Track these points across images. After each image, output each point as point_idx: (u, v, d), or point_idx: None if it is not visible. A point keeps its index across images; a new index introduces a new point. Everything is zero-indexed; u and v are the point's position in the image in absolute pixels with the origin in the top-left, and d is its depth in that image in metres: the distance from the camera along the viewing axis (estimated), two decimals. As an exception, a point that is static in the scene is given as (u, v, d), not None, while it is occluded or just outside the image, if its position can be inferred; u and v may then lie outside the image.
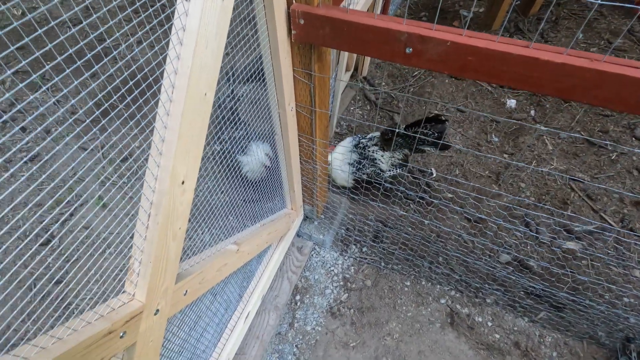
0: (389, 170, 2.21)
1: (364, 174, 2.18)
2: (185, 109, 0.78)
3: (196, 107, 0.81)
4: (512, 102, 2.95)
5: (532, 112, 2.90)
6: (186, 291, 1.05)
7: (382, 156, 2.17)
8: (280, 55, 1.14)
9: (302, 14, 1.06)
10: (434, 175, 2.55)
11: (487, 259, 2.12)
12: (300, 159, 1.71)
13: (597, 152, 2.62)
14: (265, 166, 1.90)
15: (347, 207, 2.29)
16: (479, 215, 2.22)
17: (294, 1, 1.06)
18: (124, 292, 0.87)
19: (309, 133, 1.54)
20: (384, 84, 3.21)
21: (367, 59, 3.12)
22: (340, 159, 2.14)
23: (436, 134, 1.96)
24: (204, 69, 0.80)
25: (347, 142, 2.24)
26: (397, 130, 2.06)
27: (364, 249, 2.18)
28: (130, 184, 2.31)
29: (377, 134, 2.27)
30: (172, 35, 0.75)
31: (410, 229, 2.23)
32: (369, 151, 2.17)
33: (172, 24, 0.74)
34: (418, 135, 1.97)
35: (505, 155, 2.64)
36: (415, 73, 3.25)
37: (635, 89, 0.83)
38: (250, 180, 1.93)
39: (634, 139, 2.68)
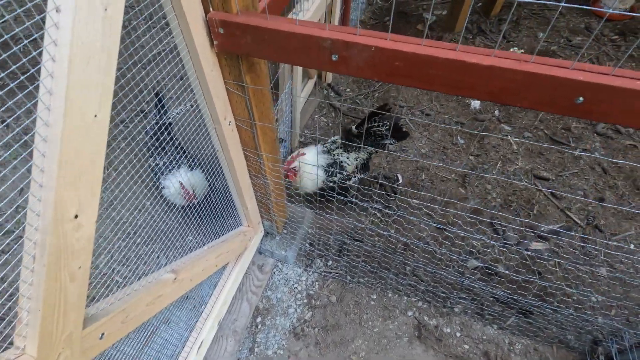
0: (355, 175, 2.14)
1: (331, 181, 2.10)
2: (65, 134, 0.68)
3: (82, 130, 0.71)
4: (476, 103, 2.94)
5: (497, 112, 2.90)
6: (103, 334, 0.94)
7: (347, 158, 2.10)
8: (204, 68, 1.06)
9: (220, 23, 0.98)
10: (400, 181, 2.50)
11: (455, 266, 2.07)
12: (249, 174, 1.62)
13: (561, 150, 2.63)
14: (183, 196, 1.79)
15: (311, 220, 2.21)
16: (446, 225, 2.17)
17: (210, 9, 0.98)
18: (12, 347, 0.75)
19: (253, 147, 1.45)
20: (348, 90, 3.16)
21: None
22: (311, 164, 2.06)
23: (388, 124, 1.92)
24: (89, 87, 0.70)
25: (314, 148, 2.17)
26: (353, 128, 2.00)
27: (329, 263, 2.09)
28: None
29: (337, 137, 2.21)
30: (43, 52, 0.65)
31: (376, 238, 2.16)
32: (334, 155, 2.10)
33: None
34: (377, 128, 1.93)
35: (471, 157, 2.62)
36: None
37: (565, 90, 0.78)
38: (179, 206, 1.83)
39: (595, 134, 2.70)
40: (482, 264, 2.05)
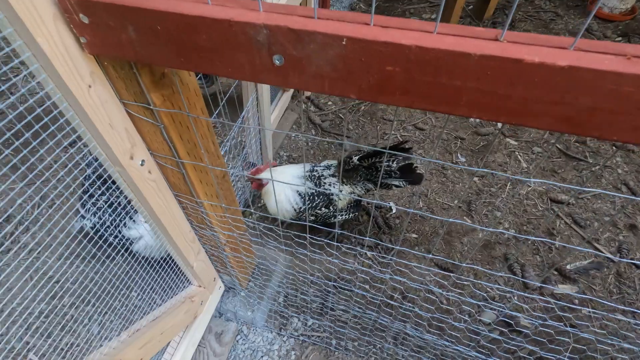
0: (343, 213, 1.73)
1: (312, 215, 1.68)
2: None
3: None
4: (476, 115, 2.57)
5: (499, 125, 2.53)
6: None
7: (340, 191, 1.69)
8: (70, 84, 0.63)
9: (79, 5, 0.56)
10: (394, 211, 2.10)
11: (467, 320, 1.65)
12: (191, 224, 1.19)
13: (577, 166, 2.26)
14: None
15: (286, 266, 1.77)
16: (450, 266, 1.76)
17: (60, -19, 0.56)
18: None
19: (187, 192, 1.02)
20: (330, 102, 2.76)
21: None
22: (283, 182, 1.65)
23: (400, 159, 1.53)
24: None
25: (299, 167, 1.74)
26: (354, 158, 1.60)
27: (310, 323, 1.66)
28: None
29: (334, 162, 1.80)
30: None
31: (367, 286, 1.74)
32: (324, 183, 1.68)
33: None
34: (384, 166, 1.53)
35: (476, 179, 2.23)
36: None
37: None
38: (146, 258, 1.40)
39: (614, 147, 2.35)
40: (500, 317, 1.64)
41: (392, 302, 1.27)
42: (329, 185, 1.68)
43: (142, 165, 0.87)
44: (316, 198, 1.67)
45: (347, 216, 1.75)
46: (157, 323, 1.19)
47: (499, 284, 1.78)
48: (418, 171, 1.63)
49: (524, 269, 1.80)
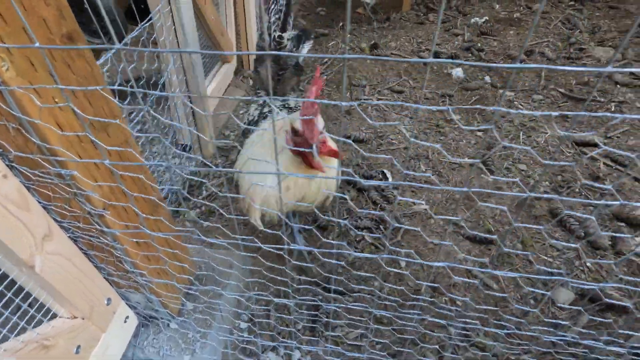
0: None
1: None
2: None
3: None
4: (458, 72, 2.18)
5: (487, 79, 2.15)
6: None
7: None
8: None
9: None
10: (390, 179, 1.54)
11: (533, 306, 1.08)
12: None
13: (590, 108, 1.90)
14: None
15: (245, 274, 1.11)
16: (487, 238, 1.22)
17: None
18: None
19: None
20: (285, 77, 2.23)
21: (253, 45, 2.16)
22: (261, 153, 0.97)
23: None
24: None
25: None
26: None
27: (297, 357, 0.98)
28: None
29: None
30: None
31: (375, 284, 1.12)
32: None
33: None
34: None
35: (480, 134, 1.77)
36: (325, 60, 2.37)
37: None
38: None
39: (618, 85, 2.03)
40: (579, 293, 1.09)
41: (417, 302, 0.67)
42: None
43: None
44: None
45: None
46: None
47: (558, 250, 1.25)
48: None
49: (584, 225, 1.29)
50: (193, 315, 0.94)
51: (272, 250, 0.60)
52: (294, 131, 0.82)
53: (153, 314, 0.90)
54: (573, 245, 1.19)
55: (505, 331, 0.71)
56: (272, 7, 1.25)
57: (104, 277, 0.79)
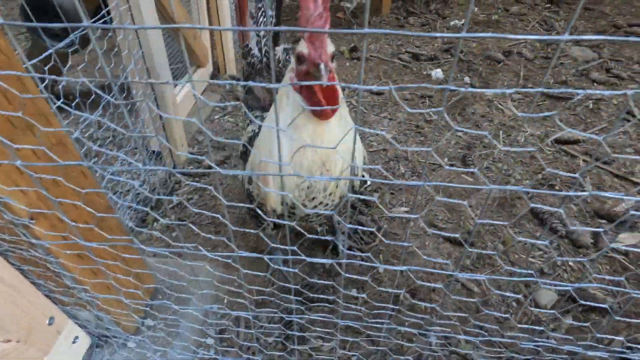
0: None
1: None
2: None
3: None
4: (437, 73, 2.17)
5: (467, 79, 2.13)
6: None
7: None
8: None
9: None
10: (368, 183, 1.49)
11: (516, 309, 1.04)
12: None
13: (569, 105, 1.89)
14: None
15: (211, 286, 1.04)
16: (456, 235, 1.17)
17: None
18: None
19: None
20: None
21: (230, 49, 2.11)
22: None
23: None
24: None
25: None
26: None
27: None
28: None
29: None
30: None
31: (353, 290, 1.06)
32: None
33: None
34: None
35: (460, 134, 1.74)
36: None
37: None
38: None
39: (595, 83, 2.03)
40: (562, 293, 1.05)
41: (391, 309, 0.62)
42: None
43: None
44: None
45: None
46: None
47: (540, 249, 1.21)
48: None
49: (565, 223, 1.26)
50: (152, 333, 0.87)
51: (256, 256, 0.55)
52: (299, 59, 0.68)
53: (104, 334, 0.83)
54: (542, 242, 1.15)
55: (481, 338, 0.66)
56: (261, 20, 1.21)
57: (45, 295, 0.71)
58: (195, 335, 0.93)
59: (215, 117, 1.88)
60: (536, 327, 0.63)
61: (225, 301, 1.07)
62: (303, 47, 0.66)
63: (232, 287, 0.78)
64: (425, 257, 0.63)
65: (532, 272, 0.52)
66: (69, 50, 1.02)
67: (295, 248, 0.52)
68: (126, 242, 0.61)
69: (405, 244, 0.48)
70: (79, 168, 0.65)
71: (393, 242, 0.65)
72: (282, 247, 0.56)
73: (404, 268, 0.52)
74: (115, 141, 1.63)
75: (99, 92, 0.49)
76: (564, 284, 0.49)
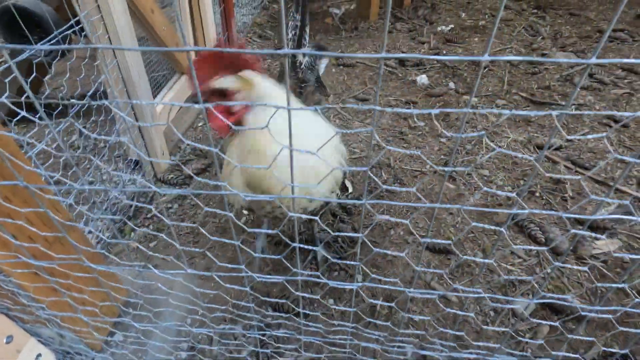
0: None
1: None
2: None
3: None
4: (422, 78, 2.17)
5: (452, 85, 2.14)
6: None
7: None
8: None
9: None
10: (350, 190, 1.49)
11: (493, 318, 1.03)
12: None
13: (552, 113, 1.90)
14: None
15: (186, 300, 1.02)
16: (442, 242, 1.18)
17: None
18: None
19: None
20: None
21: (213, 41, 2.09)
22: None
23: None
24: None
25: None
26: None
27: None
28: None
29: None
30: None
31: (332, 308, 1.05)
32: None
33: None
34: None
35: (443, 140, 1.74)
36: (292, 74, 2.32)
37: None
38: None
39: (579, 89, 2.04)
40: (541, 300, 1.04)
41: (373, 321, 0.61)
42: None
43: None
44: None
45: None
46: None
47: (519, 257, 1.21)
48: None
49: (544, 230, 1.26)
50: (119, 350, 0.85)
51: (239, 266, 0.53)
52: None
53: (68, 350, 0.81)
54: (518, 247, 1.15)
55: (455, 354, 0.65)
56: (289, 23, 1.22)
57: (4, 313, 0.70)
58: (165, 353, 0.91)
59: (199, 125, 1.86)
60: (514, 338, 0.62)
61: (200, 313, 1.05)
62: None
63: (206, 301, 0.77)
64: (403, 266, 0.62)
65: (480, 290, 0.51)
66: (49, 60, 1.00)
67: (277, 232, 0.53)
68: (77, 260, 0.60)
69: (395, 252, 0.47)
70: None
71: (377, 250, 0.64)
72: (265, 231, 0.55)
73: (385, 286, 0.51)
74: (96, 149, 1.61)
75: (75, 101, 0.48)
76: (524, 299, 0.48)
